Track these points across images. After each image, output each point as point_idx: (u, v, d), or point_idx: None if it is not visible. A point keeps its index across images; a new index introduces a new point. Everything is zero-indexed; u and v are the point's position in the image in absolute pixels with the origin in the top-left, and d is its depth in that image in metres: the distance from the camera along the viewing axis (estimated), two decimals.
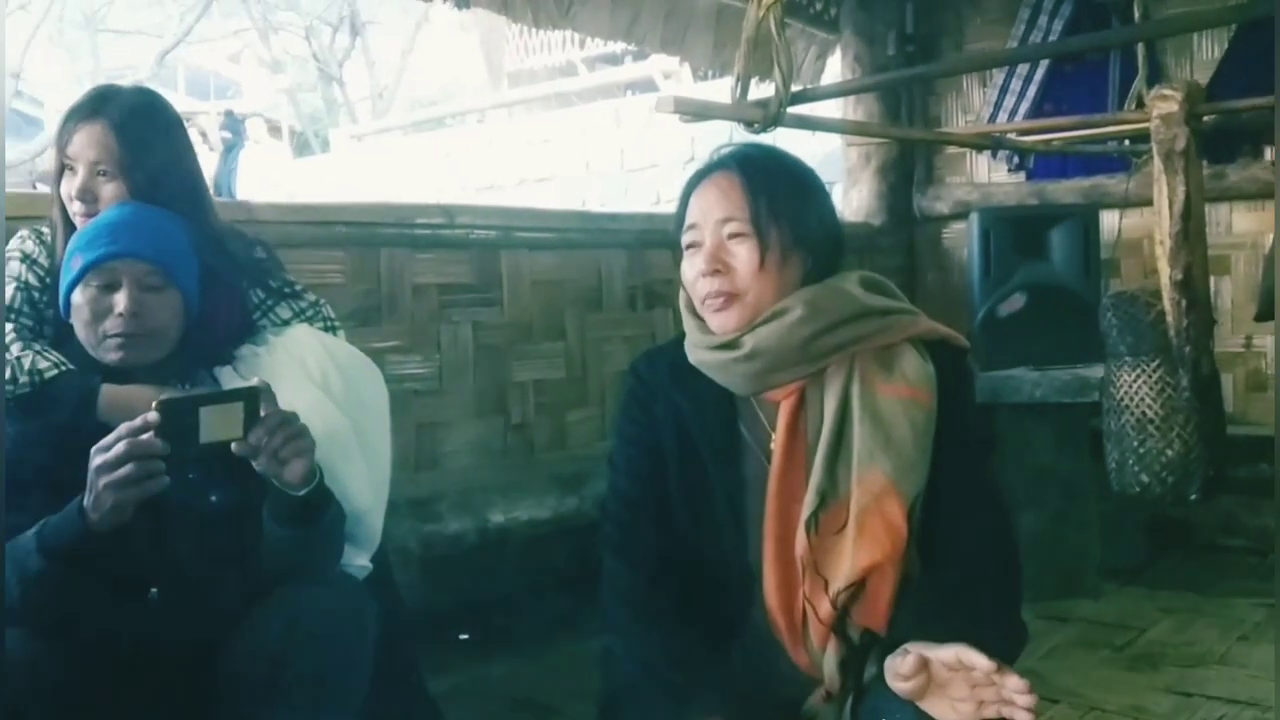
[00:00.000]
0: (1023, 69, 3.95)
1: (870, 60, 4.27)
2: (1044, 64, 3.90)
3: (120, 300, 1.68)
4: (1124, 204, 3.32)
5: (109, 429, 1.61)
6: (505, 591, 2.95)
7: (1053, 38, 3.84)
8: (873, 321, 1.49)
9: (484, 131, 9.23)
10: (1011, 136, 3.18)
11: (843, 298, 1.49)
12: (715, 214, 1.48)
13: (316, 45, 16.48)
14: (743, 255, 1.46)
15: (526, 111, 9.86)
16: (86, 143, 1.82)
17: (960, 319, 3.62)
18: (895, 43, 4.26)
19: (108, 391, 1.70)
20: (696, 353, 1.53)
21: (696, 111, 1.39)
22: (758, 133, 2.01)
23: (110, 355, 1.71)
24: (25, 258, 1.82)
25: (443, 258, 2.83)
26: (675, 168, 7.27)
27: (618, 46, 7.06)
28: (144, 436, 1.44)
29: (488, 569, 2.91)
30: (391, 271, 2.71)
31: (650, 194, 7.37)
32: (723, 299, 1.47)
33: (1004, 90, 4.00)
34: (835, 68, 5.38)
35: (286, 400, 1.68)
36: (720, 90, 6.92)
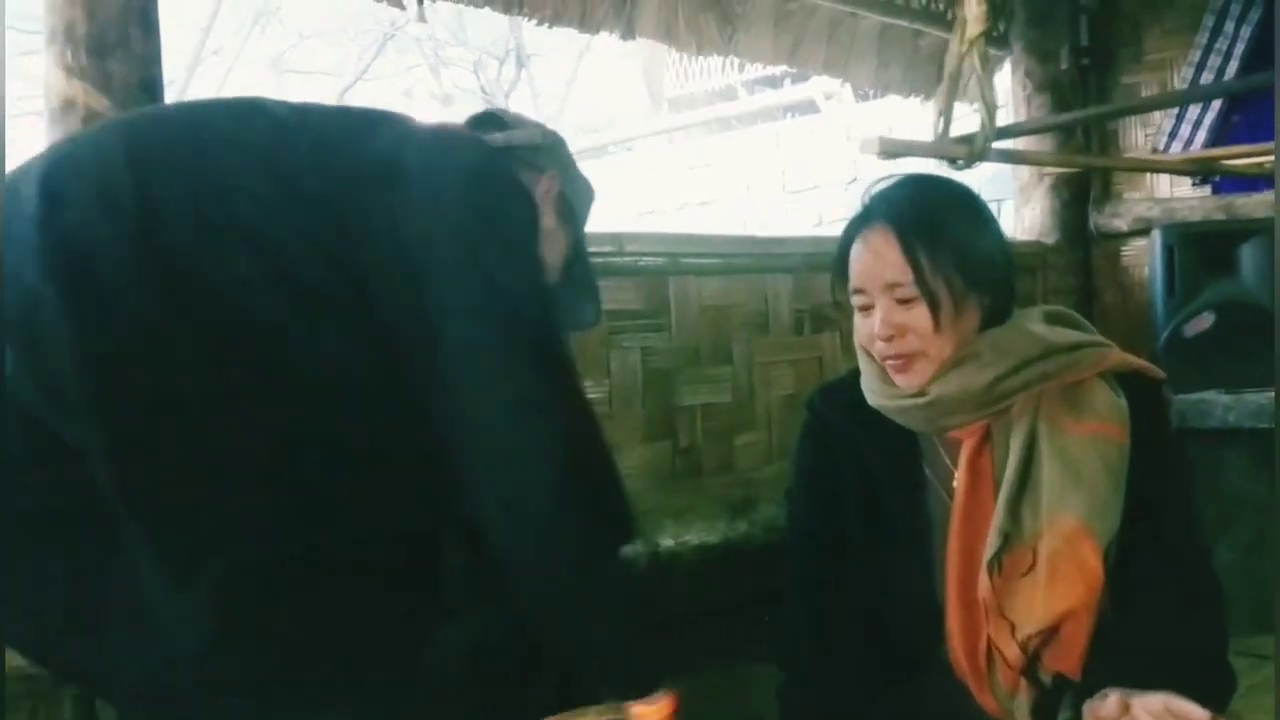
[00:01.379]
0: (1207, 79, 3.78)
1: (1041, 75, 4.17)
2: (1233, 69, 3.72)
3: None
4: None
5: None
6: (675, 614, 2.97)
7: (1240, 45, 3.66)
8: (1060, 359, 1.45)
9: (645, 157, 9.36)
10: (1225, 163, 3.04)
11: (1027, 338, 1.45)
12: (880, 279, 1.46)
13: (484, 78, 17.00)
14: (916, 317, 1.44)
15: (686, 136, 9.96)
16: None
17: (1142, 340, 3.48)
18: (1068, 57, 4.14)
19: None
20: (875, 398, 1.51)
21: (900, 151, 1.38)
22: (961, 169, 1.96)
23: None
24: None
25: (612, 284, 2.88)
26: (837, 189, 7.22)
27: (778, 69, 7.08)
28: None
29: (657, 592, 2.93)
30: None
31: (812, 215, 7.33)
32: (903, 361, 1.45)
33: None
34: (1002, 83, 5.27)
35: None
36: (884, 110, 6.86)
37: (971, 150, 1.54)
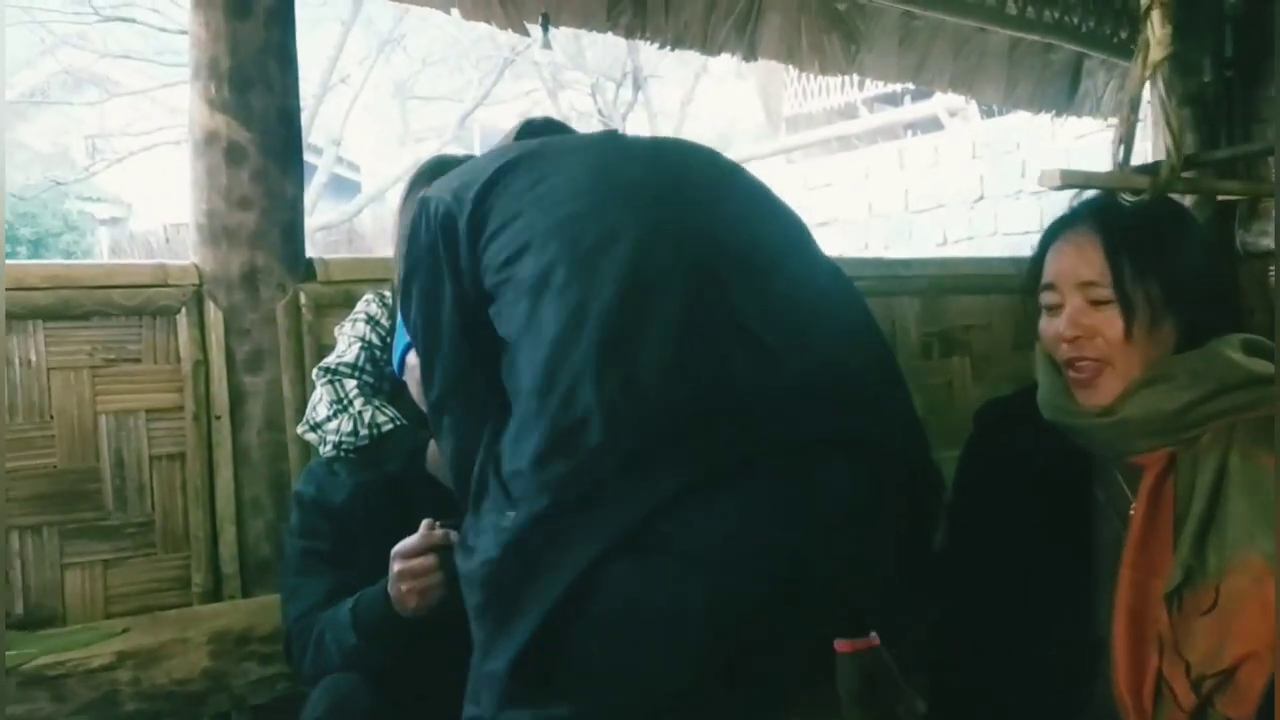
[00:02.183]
0: None
1: (1184, 89, 3.99)
2: None
3: None
4: None
5: (432, 480, 1.73)
6: None
7: None
8: (1260, 390, 1.36)
9: (764, 178, 9.29)
10: None
11: (1226, 364, 1.37)
12: (1074, 277, 1.41)
13: (601, 101, 17.16)
14: (1107, 322, 1.38)
15: (805, 156, 9.87)
16: None
17: None
18: (1212, 68, 3.97)
19: (434, 446, 1.82)
20: (1058, 415, 1.45)
21: (1080, 183, 1.33)
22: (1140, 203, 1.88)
23: None
24: (370, 319, 1.96)
25: None
26: (962, 208, 7.06)
27: (898, 86, 6.97)
28: (422, 561, 1.52)
29: None
30: None
31: (936, 235, 7.18)
32: (1088, 370, 1.39)
33: None
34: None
35: None
36: (1011, 126, 6.68)
37: (1156, 182, 1.45)
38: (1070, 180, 1.30)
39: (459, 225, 1.26)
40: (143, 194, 14.43)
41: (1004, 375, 3.28)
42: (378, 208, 15.20)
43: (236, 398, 2.19)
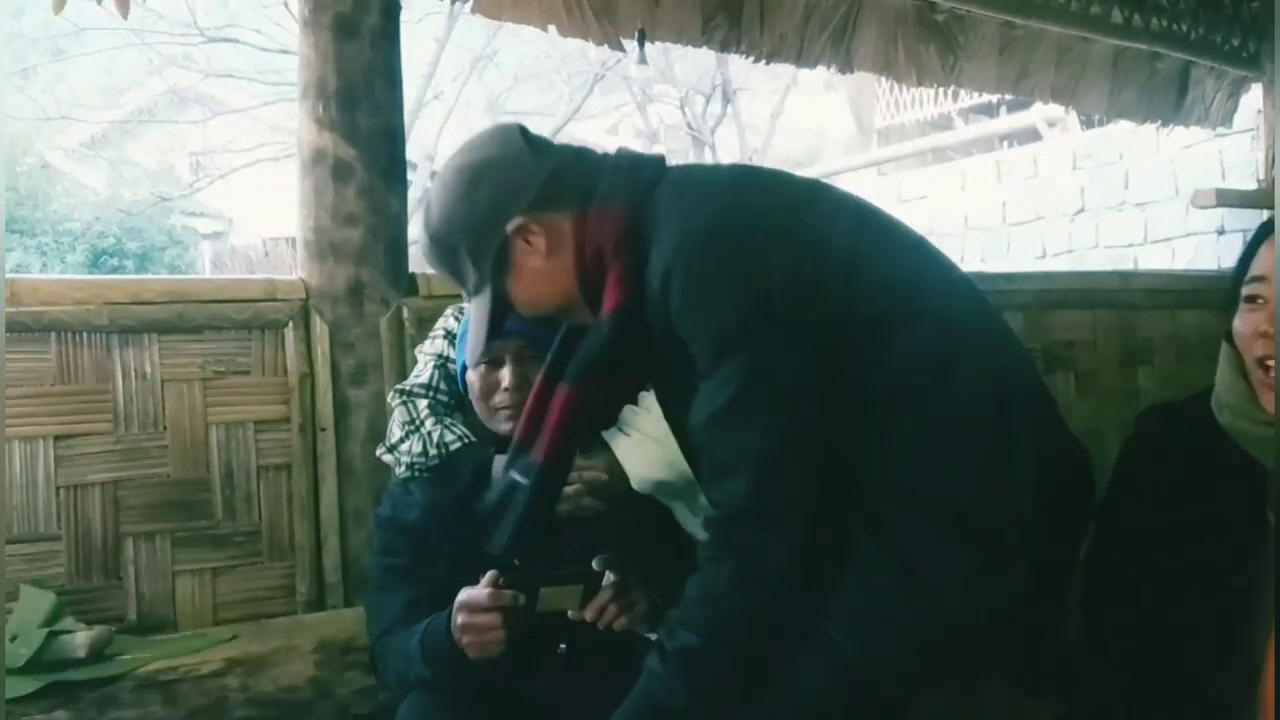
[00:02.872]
0: None
1: None
2: None
3: (505, 375, 1.80)
4: None
5: None
6: None
7: None
8: None
9: (857, 190, 9.21)
10: None
11: None
12: None
13: (690, 114, 17.18)
14: None
15: (897, 168, 9.75)
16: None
17: None
18: None
19: (499, 461, 1.82)
20: (1238, 420, 1.38)
21: (1236, 203, 1.28)
22: None
23: (503, 425, 1.83)
24: (448, 335, 1.97)
25: None
26: (1062, 220, 6.91)
27: (994, 96, 6.84)
28: (487, 618, 1.54)
29: None
30: None
31: (1035, 248, 7.03)
32: None
33: None
34: (1248, 105, 4.92)
35: (663, 439, 1.73)
36: (1113, 136, 6.51)
37: None
38: (1225, 200, 1.25)
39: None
40: (243, 209, 14.83)
41: (1110, 392, 3.19)
42: None
43: (341, 410, 2.23)
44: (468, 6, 3.08)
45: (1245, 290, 1.39)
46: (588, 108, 17.39)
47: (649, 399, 1.92)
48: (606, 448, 1.87)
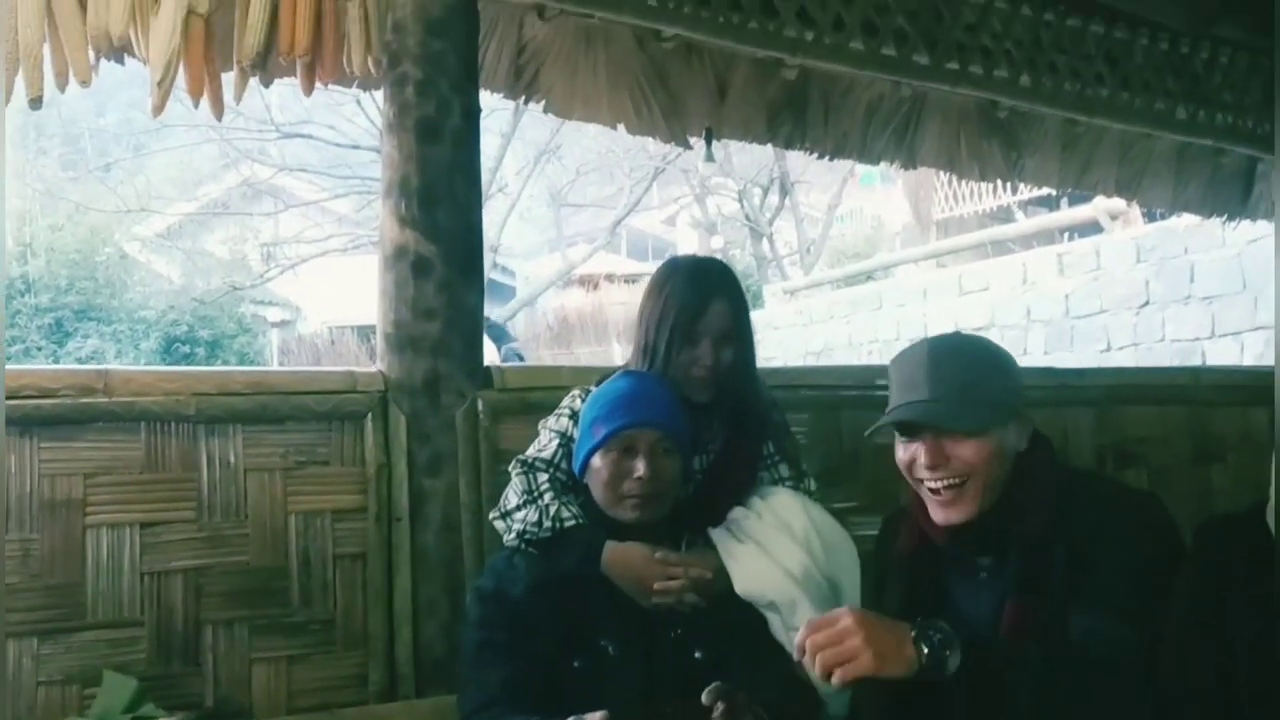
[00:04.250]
0: None
1: None
2: None
3: (639, 465, 1.84)
4: None
5: (607, 581, 1.77)
6: None
7: None
8: None
9: (917, 281, 9.23)
10: None
11: None
12: None
13: (748, 206, 17.37)
14: None
15: (956, 260, 9.76)
16: (719, 317, 2.04)
17: None
18: None
19: (611, 547, 1.86)
20: None
21: None
22: None
23: (628, 514, 1.86)
24: (574, 415, 2.02)
25: None
26: (1127, 313, 6.86)
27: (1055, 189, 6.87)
28: None
29: None
30: (853, 432, 2.74)
31: (1099, 340, 6.98)
32: None
33: None
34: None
35: (776, 557, 1.77)
36: (1177, 228, 6.47)
37: None
38: None
39: None
40: (311, 298, 15.17)
41: (1184, 491, 3.13)
42: (530, 311, 15.63)
43: (416, 500, 2.26)
44: (537, 105, 3.20)
45: None
46: (647, 200, 17.67)
47: (761, 505, 1.96)
48: (713, 546, 1.91)
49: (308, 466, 2.21)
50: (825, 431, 2.72)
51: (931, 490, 1.69)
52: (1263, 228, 5.34)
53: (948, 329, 8.07)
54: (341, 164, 13.59)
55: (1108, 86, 3.67)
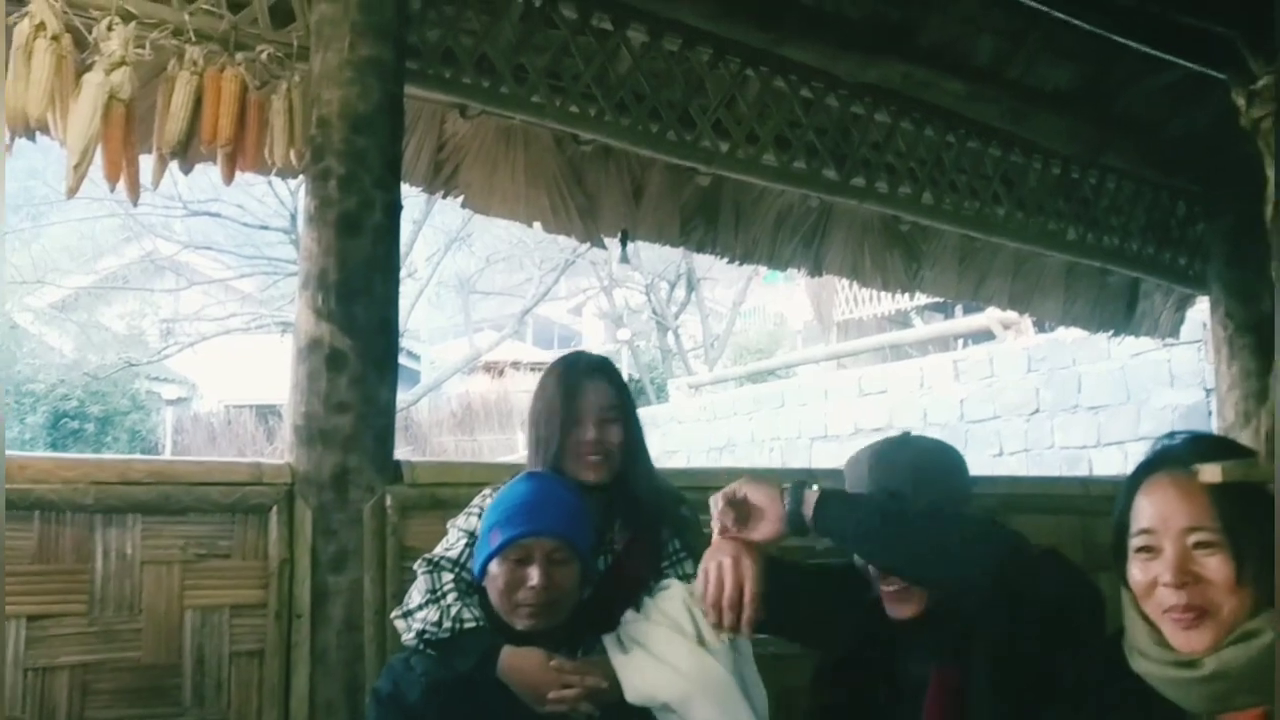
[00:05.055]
0: None
1: (1243, 315, 4.06)
2: None
3: (534, 574, 1.85)
4: None
5: (504, 686, 1.77)
6: None
7: None
8: None
9: (818, 381, 9.42)
10: None
11: None
12: (1177, 521, 1.36)
13: (655, 300, 17.61)
14: (1214, 568, 1.33)
15: (856, 362, 10.00)
16: (599, 394, 2.10)
17: None
18: (1271, 297, 4.04)
19: (507, 652, 1.85)
20: (1144, 663, 1.40)
21: (1240, 477, 1.31)
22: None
23: (522, 622, 1.86)
24: (483, 515, 2.02)
25: None
26: (1018, 420, 7.08)
27: None
28: None
29: None
30: None
31: (992, 445, 7.18)
32: (1191, 615, 1.35)
33: None
34: (1194, 318, 5.16)
35: (664, 657, 1.78)
36: (1065, 339, 6.75)
37: None
38: (1230, 475, 1.29)
39: None
40: (209, 376, 14.84)
41: None
42: (434, 396, 15.51)
43: (319, 597, 2.22)
44: (456, 199, 3.23)
45: (1135, 542, 1.41)
46: (555, 289, 17.80)
47: (650, 605, 1.98)
48: (605, 652, 1.91)
49: (208, 560, 2.16)
50: None
51: (884, 588, 1.78)
52: (1145, 343, 5.61)
53: (848, 430, 8.25)
54: (249, 243, 13.44)
55: (1004, 206, 3.86)
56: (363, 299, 2.32)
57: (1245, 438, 4.04)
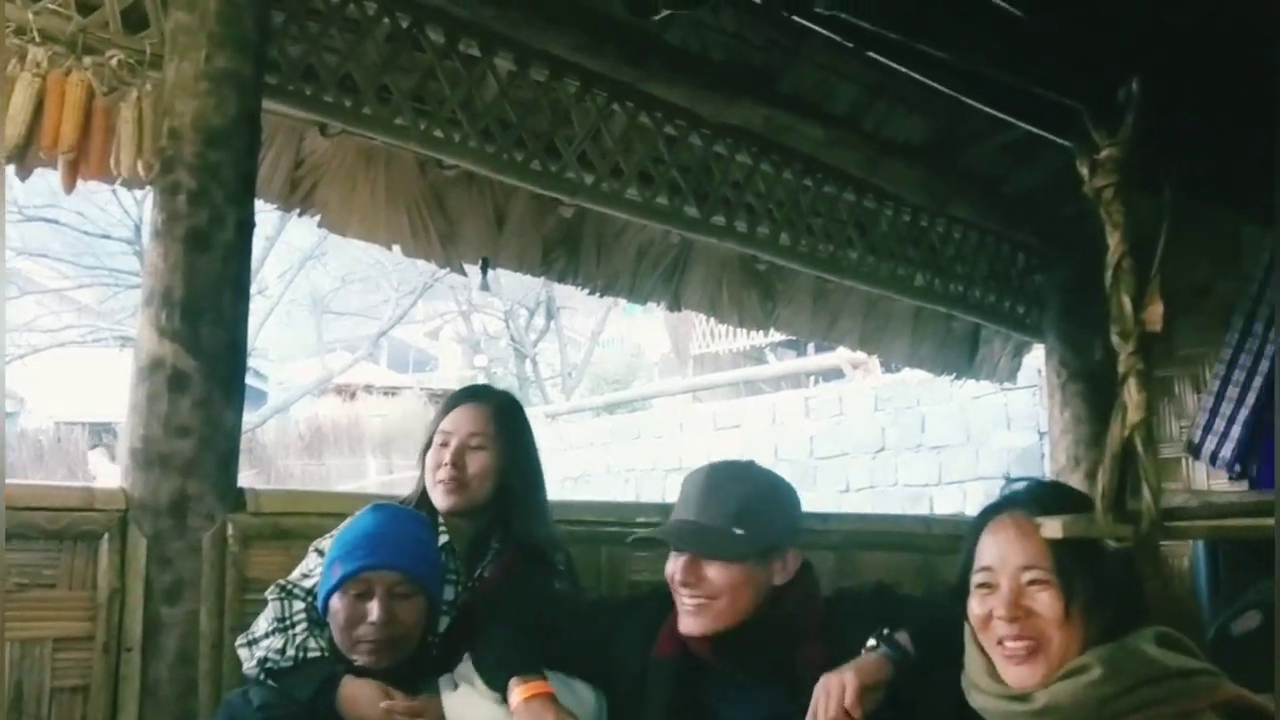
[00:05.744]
0: (1239, 375, 3.87)
1: (1076, 364, 4.27)
2: (1264, 369, 3.81)
3: (373, 609, 1.80)
4: None
5: (340, 717, 1.73)
6: None
7: (1269, 346, 3.77)
8: (1173, 684, 1.41)
9: (674, 414, 9.51)
10: None
11: (1142, 659, 1.42)
12: (1014, 560, 1.46)
13: (513, 327, 17.53)
14: (1044, 604, 1.43)
15: (712, 396, 10.14)
16: (466, 418, 2.07)
17: (1189, 632, 3.41)
18: (1102, 348, 4.26)
19: (347, 684, 1.81)
20: (980, 697, 1.48)
21: (1078, 534, 1.41)
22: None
23: (361, 658, 1.82)
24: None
25: (659, 555, 2.87)
26: (865, 457, 7.28)
27: None
28: None
29: None
30: (611, 568, 2.77)
31: (839, 482, 7.37)
32: (1024, 649, 1.43)
33: (1220, 397, 3.91)
34: (1030, 364, 5.41)
35: (483, 689, 1.79)
36: (911, 380, 6.99)
37: (1137, 532, 1.52)
38: (1069, 530, 1.39)
39: None
40: (40, 390, 14.08)
41: None
42: (283, 419, 15.05)
43: (151, 629, 2.11)
44: (312, 218, 3.15)
45: (976, 579, 1.51)
46: (412, 312, 17.54)
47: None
48: (437, 691, 1.87)
49: (30, 589, 2.03)
50: (584, 567, 2.73)
51: (682, 602, 1.81)
52: (984, 387, 5.85)
53: (702, 463, 8.32)
54: (88, 252, 12.84)
55: (857, 250, 3.97)
56: (209, 318, 2.23)
57: (1076, 480, 4.24)
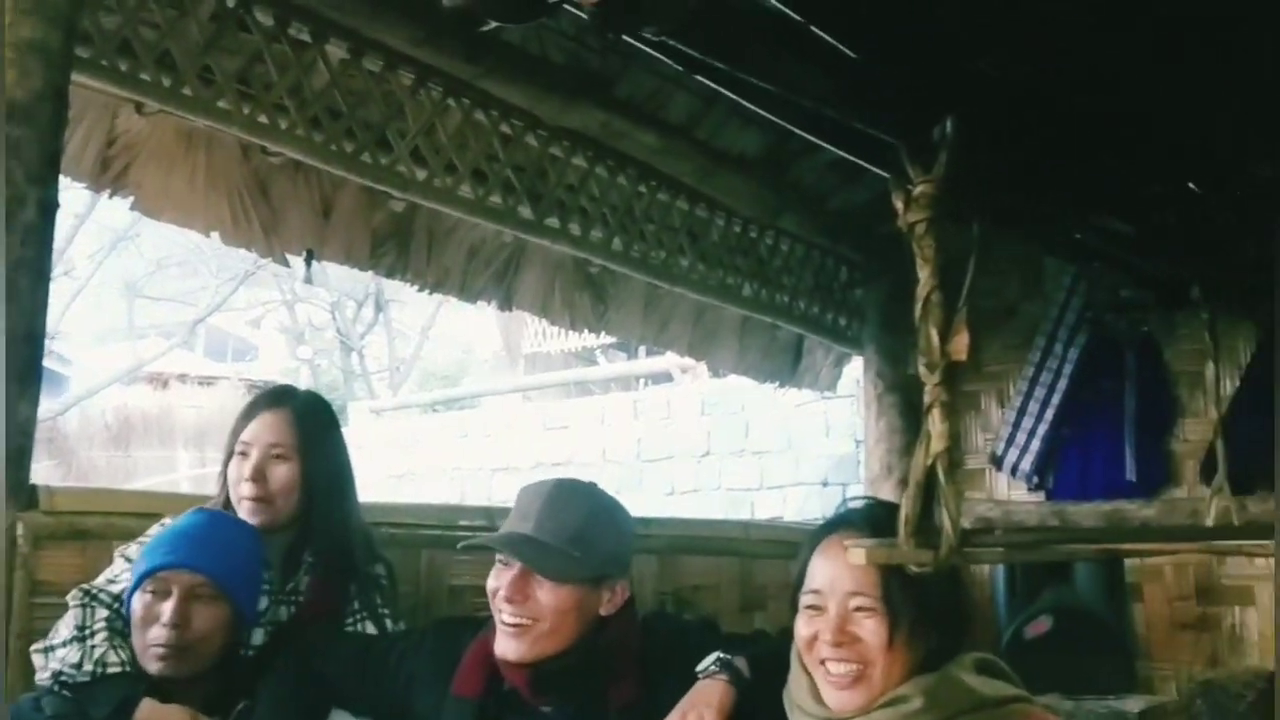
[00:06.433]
0: (1040, 392, 4.11)
1: (893, 376, 4.45)
2: (1062, 387, 4.05)
3: (166, 610, 1.71)
4: (1145, 532, 3.36)
5: None
6: None
7: (1068, 366, 4.01)
8: (989, 714, 1.46)
9: (503, 414, 9.45)
10: None
11: (960, 689, 1.46)
12: (842, 585, 1.48)
13: (340, 319, 17.08)
14: (870, 630, 1.45)
15: (542, 395, 10.13)
16: (266, 427, 1.96)
17: (985, 638, 3.60)
18: (914, 361, 4.44)
19: (145, 706, 1.71)
20: (802, 717, 1.50)
21: (881, 560, 1.43)
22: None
23: (151, 665, 1.73)
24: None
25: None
26: (690, 460, 7.40)
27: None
28: None
29: None
30: (431, 573, 2.73)
31: (665, 485, 7.46)
32: (848, 675, 1.45)
33: (1022, 412, 4.14)
34: (850, 374, 5.60)
35: None
36: (736, 386, 7.14)
37: (937, 559, 1.58)
38: (873, 558, 1.42)
39: None
40: None
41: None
42: (87, 407, 14.25)
43: None
44: (125, 199, 3.00)
45: (805, 600, 1.53)
46: (232, 299, 16.88)
47: None
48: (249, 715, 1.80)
49: None
50: (403, 572, 2.68)
51: (503, 621, 1.73)
52: (806, 395, 6.03)
53: (529, 463, 8.32)
54: None
55: (688, 258, 4.03)
56: (5, 305, 2.09)
57: (888, 487, 4.41)
